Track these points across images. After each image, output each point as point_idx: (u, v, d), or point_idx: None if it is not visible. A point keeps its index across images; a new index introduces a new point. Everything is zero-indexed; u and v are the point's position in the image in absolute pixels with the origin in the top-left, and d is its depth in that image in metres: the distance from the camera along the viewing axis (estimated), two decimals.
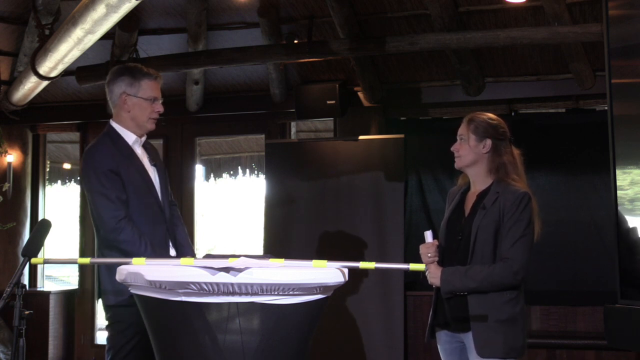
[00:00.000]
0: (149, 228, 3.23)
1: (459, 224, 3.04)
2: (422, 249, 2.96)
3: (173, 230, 3.41)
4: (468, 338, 2.91)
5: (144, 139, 3.40)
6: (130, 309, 3.10)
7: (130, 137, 3.32)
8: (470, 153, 3.04)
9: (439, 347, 3.10)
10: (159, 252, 3.20)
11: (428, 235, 2.97)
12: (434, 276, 2.91)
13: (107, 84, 3.36)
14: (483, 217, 2.93)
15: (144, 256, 3.06)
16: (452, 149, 3.09)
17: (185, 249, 3.39)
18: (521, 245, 2.87)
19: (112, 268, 3.09)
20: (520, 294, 2.94)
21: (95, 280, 6.15)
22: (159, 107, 3.35)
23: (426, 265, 2.93)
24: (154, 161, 3.37)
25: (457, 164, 3.09)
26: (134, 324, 3.10)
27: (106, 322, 3.27)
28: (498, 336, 2.85)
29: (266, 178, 6.38)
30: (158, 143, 6.97)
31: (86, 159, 3.27)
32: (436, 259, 2.94)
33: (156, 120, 3.37)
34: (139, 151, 3.35)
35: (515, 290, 2.91)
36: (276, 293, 2.53)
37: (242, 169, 9.25)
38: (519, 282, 2.88)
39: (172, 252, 3.34)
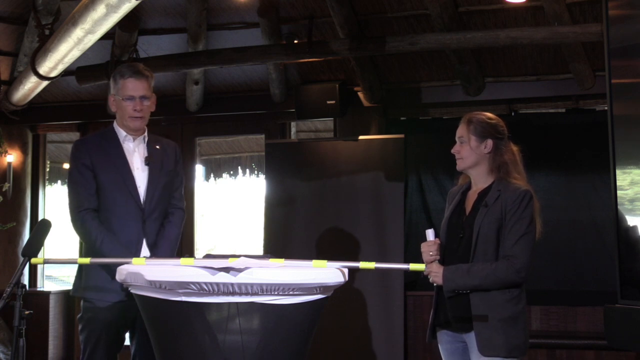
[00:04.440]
0: (118, 224, 3.29)
1: (460, 223, 3.03)
2: (424, 247, 2.96)
3: (157, 231, 3.39)
4: (470, 337, 2.91)
5: (144, 136, 3.43)
6: (93, 305, 3.28)
7: (121, 134, 3.40)
8: (472, 154, 3.03)
9: (440, 347, 3.09)
10: (120, 250, 3.21)
11: (429, 233, 2.96)
12: (436, 275, 2.91)
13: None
14: (485, 215, 2.92)
15: (98, 248, 3.21)
16: (452, 151, 3.08)
17: (158, 251, 3.36)
18: (524, 242, 2.87)
19: (88, 265, 3.21)
20: (522, 292, 2.94)
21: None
22: (137, 105, 3.34)
23: (427, 263, 2.93)
24: (147, 161, 3.37)
25: (459, 166, 3.08)
26: (96, 319, 3.27)
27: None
28: (500, 335, 2.84)
29: (266, 178, 6.37)
30: None
31: (70, 151, 3.44)
32: (438, 257, 2.94)
33: (137, 118, 3.36)
34: (131, 149, 3.39)
35: (518, 289, 2.91)
36: (276, 293, 2.53)
37: (242, 169, 9.24)
38: (522, 279, 2.88)
39: (145, 252, 3.34)
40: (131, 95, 3.35)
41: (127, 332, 3.37)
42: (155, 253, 3.36)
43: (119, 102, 3.37)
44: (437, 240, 2.97)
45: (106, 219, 3.29)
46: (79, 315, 3.38)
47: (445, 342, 3.06)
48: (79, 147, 3.39)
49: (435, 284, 2.97)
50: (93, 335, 3.29)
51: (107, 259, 3.13)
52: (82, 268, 3.34)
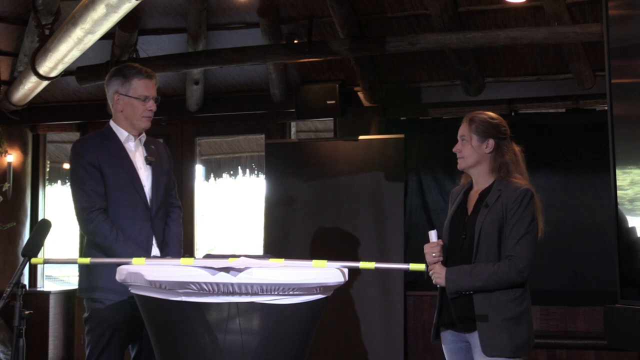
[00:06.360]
0: (128, 224, 3.26)
1: (462, 223, 3.03)
2: (427, 248, 2.95)
3: (162, 230, 3.41)
4: (474, 337, 2.90)
5: (143, 137, 3.43)
6: (103, 305, 3.20)
7: (122, 134, 3.37)
8: (473, 154, 3.03)
9: (443, 347, 3.09)
10: (134, 248, 3.20)
11: (432, 234, 2.96)
12: (439, 276, 2.91)
13: (105, 85, 3.45)
14: (486, 215, 2.92)
15: (113, 248, 3.16)
16: (454, 150, 3.08)
17: (170, 249, 3.39)
18: (525, 242, 2.87)
19: (92, 265, 3.17)
20: (526, 291, 2.93)
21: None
22: (152, 106, 3.38)
23: (430, 264, 2.93)
24: (149, 160, 3.39)
25: (461, 165, 3.08)
26: (106, 319, 3.20)
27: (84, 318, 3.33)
28: (504, 335, 2.84)
29: (266, 178, 6.38)
30: None
31: (71, 151, 3.36)
32: (441, 258, 2.94)
33: (150, 118, 3.40)
34: (133, 149, 3.38)
35: (521, 288, 2.90)
36: (276, 293, 2.53)
37: (242, 169, 9.25)
38: (524, 279, 2.87)
39: (155, 251, 3.34)
40: (146, 95, 3.35)
41: (137, 330, 3.25)
42: (168, 252, 3.37)
43: (130, 101, 3.34)
44: (440, 242, 2.96)
45: (115, 219, 3.24)
46: (85, 316, 3.28)
47: (448, 342, 3.06)
48: (83, 145, 3.32)
49: (438, 285, 2.97)
50: (105, 335, 3.20)
51: (108, 259, 3.13)
52: (88, 269, 3.26)
